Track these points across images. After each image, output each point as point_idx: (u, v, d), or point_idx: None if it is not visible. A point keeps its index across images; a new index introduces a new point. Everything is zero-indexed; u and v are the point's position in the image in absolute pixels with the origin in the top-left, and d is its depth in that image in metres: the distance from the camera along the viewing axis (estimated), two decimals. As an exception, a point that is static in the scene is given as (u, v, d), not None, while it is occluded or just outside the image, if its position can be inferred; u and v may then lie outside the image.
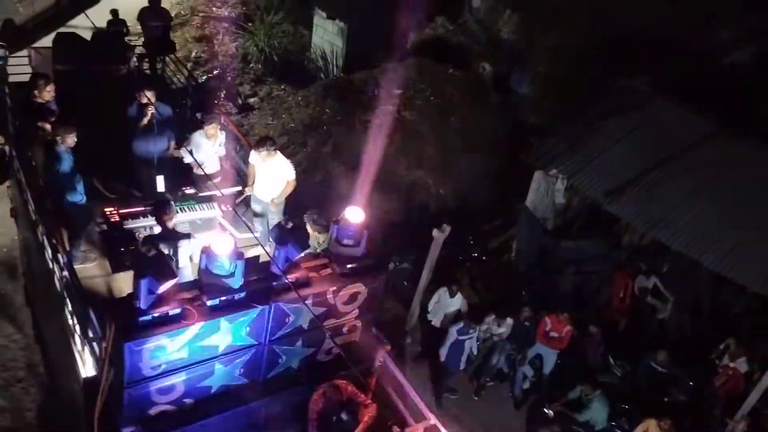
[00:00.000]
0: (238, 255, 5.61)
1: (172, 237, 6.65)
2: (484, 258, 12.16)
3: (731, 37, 13.61)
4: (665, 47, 13.16)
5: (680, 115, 11.48)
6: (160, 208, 6.81)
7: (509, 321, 9.82)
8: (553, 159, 11.44)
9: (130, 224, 7.47)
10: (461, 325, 9.43)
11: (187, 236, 6.76)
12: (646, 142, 11.28)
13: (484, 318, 9.75)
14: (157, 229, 7.09)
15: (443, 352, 9.55)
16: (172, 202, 7.17)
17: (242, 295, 5.70)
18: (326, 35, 15.78)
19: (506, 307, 10.28)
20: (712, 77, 12.91)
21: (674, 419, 8.61)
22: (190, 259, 6.76)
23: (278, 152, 8.47)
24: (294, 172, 8.53)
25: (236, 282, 5.62)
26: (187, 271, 6.82)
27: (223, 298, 5.62)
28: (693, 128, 11.21)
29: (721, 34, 13.63)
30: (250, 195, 8.60)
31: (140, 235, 7.38)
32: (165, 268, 5.34)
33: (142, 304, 5.21)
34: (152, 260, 5.53)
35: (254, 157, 8.45)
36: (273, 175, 8.42)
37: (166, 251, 6.37)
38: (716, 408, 9.67)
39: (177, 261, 6.54)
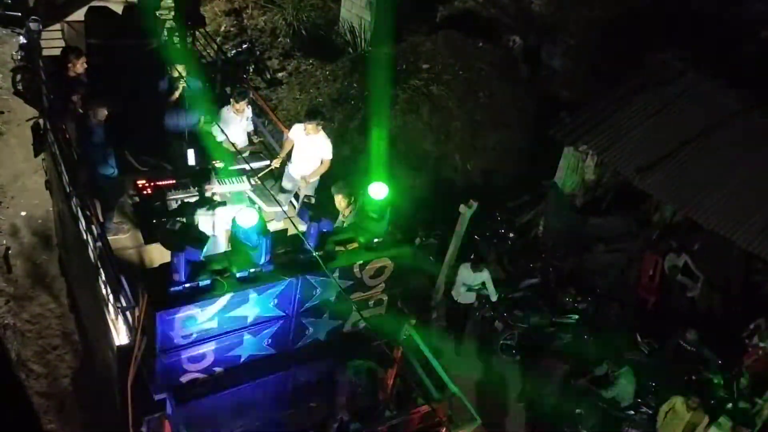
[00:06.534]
0: (265, 230, 5.67)
1: (210, 205, 6.76)
2: (511, 234, 12.12)
3: (766, 10, 13.23)
4: (699, 20, 12.85)
5: (713, 90, 11.25)
6: (200, 176, 6.96)
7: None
8: (583, 134, 11.30)
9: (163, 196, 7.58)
10: None
11: (223, 204, 6.86)
12: (678, 117, 11.08)
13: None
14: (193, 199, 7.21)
15: None
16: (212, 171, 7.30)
17: (270, 267, 5.79)
18: (354, 8, 15.67)
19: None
20: (746, 51, 12.59)
21: (702, 397, 8.57)
22: (226, 232, 6.87)
23: (321, 129, 8.42)
24: (331, 151, 8.44)
25: (261, 257, 5.69)
26: (222, 242, 6.93)
27: (251, 270, 5.71)
28: (726, 103, 10.98)
29: (756, 7, 13.25)
30: (282, 168, 8.61)
31: (172, 207, 7.51)
32: (197, 238, 5.44)
33: (182, 276, 5.32)
34: (184, 231, 5.62)
35: (296, 131, 8.42)
36: (311, 152, 8.37)
37: (203, 219, 6.49)
38: (745, 387, 9.60)
39: (213, 229, 6.65)
